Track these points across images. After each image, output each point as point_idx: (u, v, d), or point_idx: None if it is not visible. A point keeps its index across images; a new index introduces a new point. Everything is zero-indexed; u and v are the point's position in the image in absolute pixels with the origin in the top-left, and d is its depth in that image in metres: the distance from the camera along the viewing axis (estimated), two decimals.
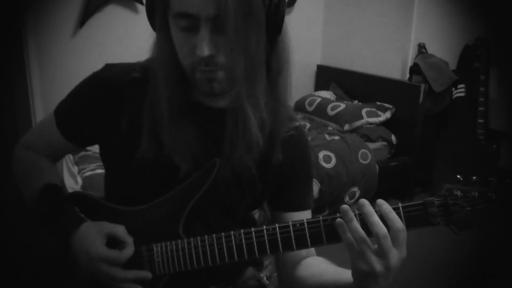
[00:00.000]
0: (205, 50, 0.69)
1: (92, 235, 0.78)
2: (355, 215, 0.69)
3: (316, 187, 2.59)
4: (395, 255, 0.67)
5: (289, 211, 0.92)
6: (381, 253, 0.67)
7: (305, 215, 0.92)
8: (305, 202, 0.94)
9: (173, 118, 0.79)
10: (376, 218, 0.68)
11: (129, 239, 0.79)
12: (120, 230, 0.79)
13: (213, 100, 0.84)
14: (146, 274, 0.78)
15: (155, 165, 0.82)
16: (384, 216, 0.68)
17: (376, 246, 0.67)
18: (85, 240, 0.78)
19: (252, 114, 0.78)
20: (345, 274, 0.78)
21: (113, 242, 0.79)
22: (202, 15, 0.68)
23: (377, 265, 0.67)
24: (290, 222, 0.74)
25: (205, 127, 0.84)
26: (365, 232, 0.68)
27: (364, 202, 0.69)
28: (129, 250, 0.78)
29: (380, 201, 0.70)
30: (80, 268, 0.79)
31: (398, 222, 0.67)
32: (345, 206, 0.70)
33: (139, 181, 0.85)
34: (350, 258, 0.70)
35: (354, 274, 0.72)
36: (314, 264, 0.89)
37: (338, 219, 0.70)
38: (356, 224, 0.68)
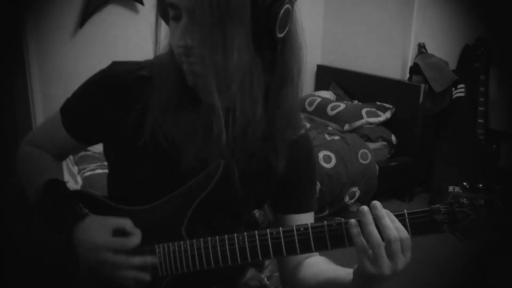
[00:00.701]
0: (180, 39, 0.69)
1: (98, 226, 0.77)
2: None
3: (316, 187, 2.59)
4: (403, 260, 0.68)
5: (291, 214, 0.92)
6: (391, 257, 0.67)
7: (308, 217, 0.92)
8: (307, 205, 0.93)
9: (173, 111, 0.79)
10: (388, 221, 0.68)
11: (137, 230, 0.78)
12: (127, 222, 0.78)
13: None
14: (153, 260, 0.78)
15: (159, 162, 0.82)
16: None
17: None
18: (90, 230, 0.77)
19: (222, 113, 0.74)
20: (343, 272, 0.78)
21: (119, 235, 0.78)
22: (181, 5, 0.68)
23: (387, 270, 0.67)
24: (294, 226, 0.74)
25: (208, 122, 0.83)
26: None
27: (376, 204, 0.69)
28: (136, 238, 0.77)
29: (385, 211, 0.70)
30: (82, 263, 0.79)
31: (403, 232, 0.69)
32: (365, 208, 0.70)
33: (143, 179, 0.85)
34: (358, 259, 0.70)
35: (357, 275, 0.72)
36: (315, 264, 0.89)
37: (353, 220, 0.70)
38: (374, 228, 0.68)
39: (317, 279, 0.84)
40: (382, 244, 0.67)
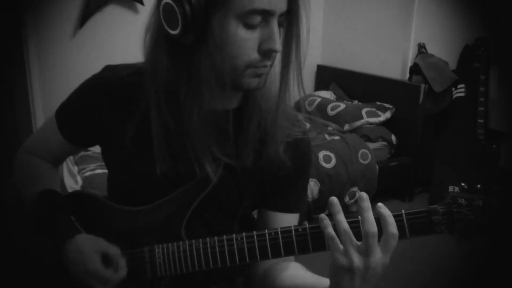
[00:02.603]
0: (275, 44, 0.72)
1: (89, 249, 0.78)
2: (356, 221, 0.70)
3: (316, 187, 2.59)
4: (379, 258, 0.66)
5: (277, 211, 0.91)
6: (365, 252, 0.66)
7: (293, 218, 0.92)
8: (295, 206, 0.93)
9: (202, 126, 0.78)
10: (370, 215, 0.67)
11: (122, 262, 0.79)
12: (113, 251, 0.79)
13: (218, 103, 0.83)
14: None
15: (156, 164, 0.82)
16: (381, 219, 0.68)
17: (359, 243, 0.67)
18: (81, 252, 0.78)
19: (265, 114, 0.81)
20: (322, 281, 0.78)
21: (108, 259, 0.79)
22: (277, 10, 0.70)
23: (357, 260, 0.66)
24: (293, 227, 0.74)
25: (219, 126, 0.83)
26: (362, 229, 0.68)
27: (364, 196, 0.69)
28: (122, 273, 0.78)
29: (380, 204, 0.69)
30: (73, 276, 0.79)
31: (394, 227, 0.67)
32: (333, 198, 0.69)
33: (141, 181, 0.85)
34: (331, 252, 0.69)
35: (331, 271, 0.71)
36: (291, 267, 0.88)
37: (321, 214, 0.71)
38: (342, 217, 0.68)
39: (292, 283, 0.84)
40: (349, 232, 0.67)
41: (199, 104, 0.76)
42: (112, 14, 2.99)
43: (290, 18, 0.74)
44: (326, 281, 0.76)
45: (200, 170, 0.79)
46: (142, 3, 3.01)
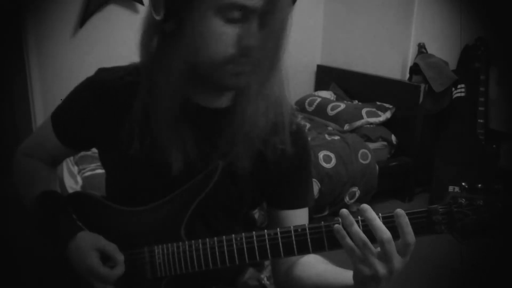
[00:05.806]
0: (254, 41, 0.70)
1: (87, 246, 0.79)
2: (357, 221, 0.69)
3: (316, 187, 2.59)
4: (399, 260, 0.66)
5: (286, 209, 0.91)
6: (385, 258, 0.66)
7: (303, 212, 0.92)
8: (303, 200, 0.93)
9: (172, 119, 0.78)
10: (379, 222, 0.67)
11: (120, 258, 0.79)
12: (111, 248, 0.79)
13: (212, 100, 0.83)
14: None
15: (155, 166, 0.82)
16: (399, 228, 0.67)
17: (378, 250, 0.67)
18: (80, 250, 0.79)
19: (262, 111, 0.79)
20: (344, 275, 0.78)
21: (107, 256, 0.79)
22: (256, 7, 0.68)
23: (381, 269, 0.66)
24: (292, 227, 0.74)
25: (201, 127, 0.83)
26: (368, 238, 0.67)
27: (366, 207, 0.68)
28: (119, 270, 0.78)
29: (399, 212, 0.68)
30: (78, 274, 0.80)
31: (411, 237, 0.66)
32: (344, 211, 0.69)
33: (139, 183, 0.85)
34: (351, 262, 0.69)
35: (355, 277, 0.72)
36: (312, 263, 0.88)
37: (336, 225, 0.69)
38: (357, 228, 0.67)
39: (315, 280, 0.84)
40: (368, 243, 0.66)
41: (166, 97, 0.76)
42: (112, 14, 2.98)
43: (270, 17, 0.71)
44: (346, 274, 0.76)
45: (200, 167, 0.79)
46: (142, 3, 3.00)
